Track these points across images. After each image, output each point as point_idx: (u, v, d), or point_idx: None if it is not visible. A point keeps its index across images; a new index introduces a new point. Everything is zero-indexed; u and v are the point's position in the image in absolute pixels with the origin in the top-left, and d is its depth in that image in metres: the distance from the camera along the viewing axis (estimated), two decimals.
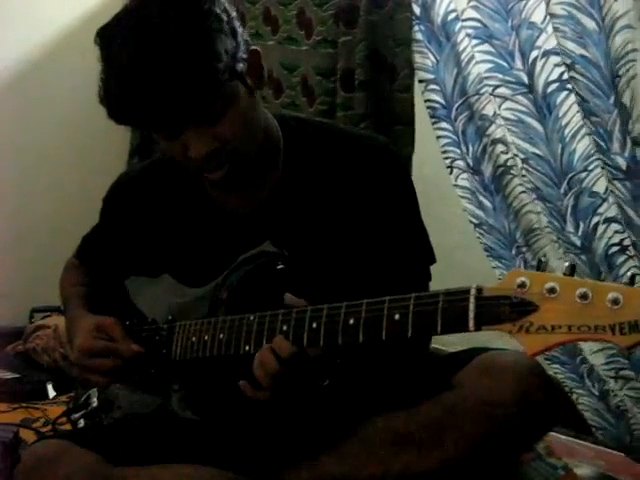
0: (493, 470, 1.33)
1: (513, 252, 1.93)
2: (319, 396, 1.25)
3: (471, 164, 1.95)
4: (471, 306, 0.99)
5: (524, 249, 1.90)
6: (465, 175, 1.97)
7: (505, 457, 1.35)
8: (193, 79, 1.20)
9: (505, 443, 1.28)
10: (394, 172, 1.41)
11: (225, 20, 1.25)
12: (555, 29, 1.73)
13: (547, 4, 1.74)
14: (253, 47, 1.32)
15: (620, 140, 1.67)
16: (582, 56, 1.70)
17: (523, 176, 1.85)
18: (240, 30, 1.28)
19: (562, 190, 1.79)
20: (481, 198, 1.95)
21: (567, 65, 1.73)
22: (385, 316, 1.09)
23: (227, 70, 1.23)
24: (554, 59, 1.76)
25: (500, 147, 1.89)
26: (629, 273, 0.92)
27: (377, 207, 1.38)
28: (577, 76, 1.71)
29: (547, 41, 1.77)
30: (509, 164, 1.88)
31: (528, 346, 0.95)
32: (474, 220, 1.98)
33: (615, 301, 0.90)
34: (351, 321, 1.12)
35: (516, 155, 1.85)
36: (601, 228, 1.75)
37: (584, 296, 0.91)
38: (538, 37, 1.78)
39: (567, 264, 0.95)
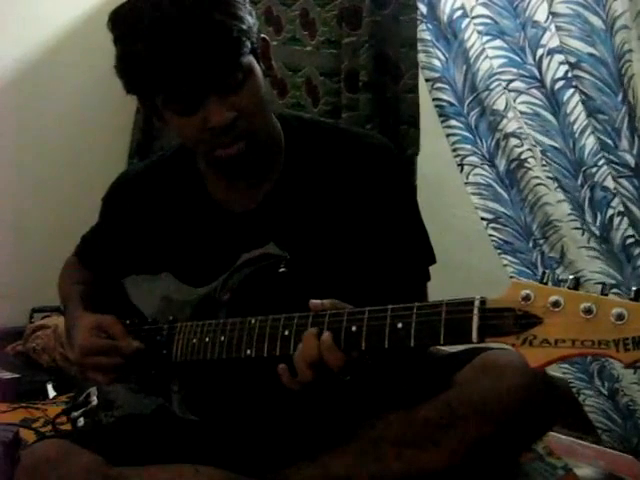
0: (493, 470, 1.33)
1: (530, 244, 1.93)
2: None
3: (487, 157, 1.96)
4: (475, 318, 0.99)
5: (541, 242, 1.91)
6: (478, 170, 1.97)
7: (505, 457, 1.35)
8: (221, 39, 1.22)
9: (505, 443, 1.28)
10: (393, 171, 1.41)
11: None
12: (558, 28, 1.74)
13: (549, 3, 1.75)
14: (262, 35, 1.34)
15: (628, 137, 1.68)
16: (590, 54, 1.70)
17: (543, 165, 1.85)
18: (254, 13, 1.31)
19: (579, 182, 1.81)
20: (499, 189, 1.95)
21: (570, 64, 1.73)
22: (388, 325, 1.08)
23: (249, 38, 1.26)
24: (559, 57, 1.77)
25: (513, 141, 1.90)
26: (634, 288, 0.92)
27: (376, 207, 1.38)
28: (582, 74, 1.72)
29: (551, 40, 1.78)
30: (523, 157, 1.89)
31: (531, 359, 0.95)
32: (487, 215, 1.98)
33: (619, 316, 0.89)
34: (353, 328, 1.12)
35: (535, 146, 1.86)
36: (616, 220, 1.76)
37: (588, 310, 0.91)
38: (542, 35, 1.79)
39: (571, 277, 0.95)
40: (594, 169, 1.77)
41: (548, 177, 1.86)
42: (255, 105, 1.30)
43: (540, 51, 1.81)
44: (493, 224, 1.97)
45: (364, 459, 1.31)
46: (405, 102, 2.17)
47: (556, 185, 1.84)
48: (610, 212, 1.77)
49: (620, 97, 1.67)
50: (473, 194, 1.99)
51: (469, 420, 1.26)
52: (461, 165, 1.99)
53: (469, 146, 1.98)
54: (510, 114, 1.89)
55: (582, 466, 1.81)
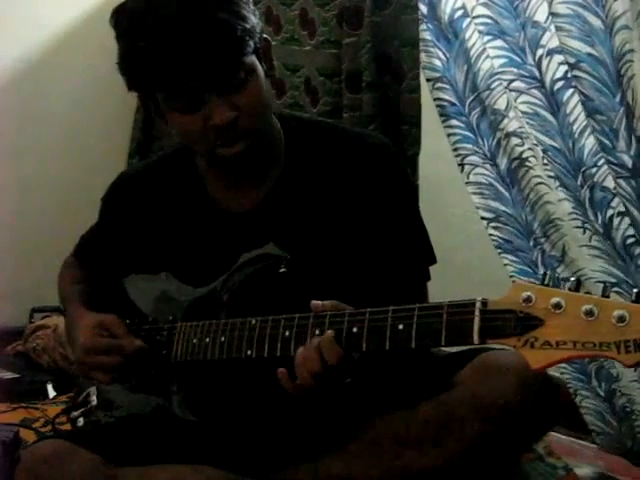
0: (493, 470, 1.33)
1: (531, 243, 1.93)
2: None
3: (488, 156, 1.96)
4: (476, 319, 1.00)
5: (542, 240, 1.91)
6: (479, 170, 1.97)
7: (505, 457, 1.35)
8: (224, 37, 1.22)
9: (505, 443, 1.28)
10: (393, 171, 1.41)
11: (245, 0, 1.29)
12: (558, 28, 1.74)
13: (549, 3, 1.75)
14: (265, 35, 1.35)
15: (626, 138, 1.68)
16: (589, 54, 1.71)
17: (545, 164, 1.85)
18: (257, 13, 1.31)
19: (578, 182, 1.81)
20: (500, 188, 1.96)
21: (570, 64, 1.74)
22: (388, 326, 1.08)
23: (252, 38, 1.26)
24: (558, 57, 1.78)
25: (515, 140, 1.90)
26: (635, 290, 0.92)
27: (376, 207, 1.38)
28: (582, 74, 1.72)
29: (551, 40, 1.78)
30: (524, 156, 1.89)
31: (532, 361, 0.95)
32: (488, 215, 1.98)
33: (621, 318, 0.90)
34: (354, 329, 1.12)
35: (536, 145, 1.86)
36: (616, 220, 1.77)
37: (590, 312, 0.91)
38: (542, 36, 1.80)
39: (573, 279, 0.95)
40: (594, 169, 1.77)
41: (549, 176, 1.86)
42: (257, 105, 1.30)
43: (540, 51, 1.81)
44: (494, 223, 1.97)
45: (364, 459, 1.30)
46: (407, 102, 2.16)
47: (557, 184, 1.85)
48: (610, 212, 1.77)
49: (618, 98, 1.67)
50: (474, 194, 1.99)
51: (469, 420, 1.26)
52: (462, 165, 1.99)
53: (470, 145, 1.98)
54: (511, 113, 1.89)
55: (582, 466, 1.81)
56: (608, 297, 0.92)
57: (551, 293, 0.95)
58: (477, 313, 1.00)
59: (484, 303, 1.00)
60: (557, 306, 0.94)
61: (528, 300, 0.96)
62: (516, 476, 1.62)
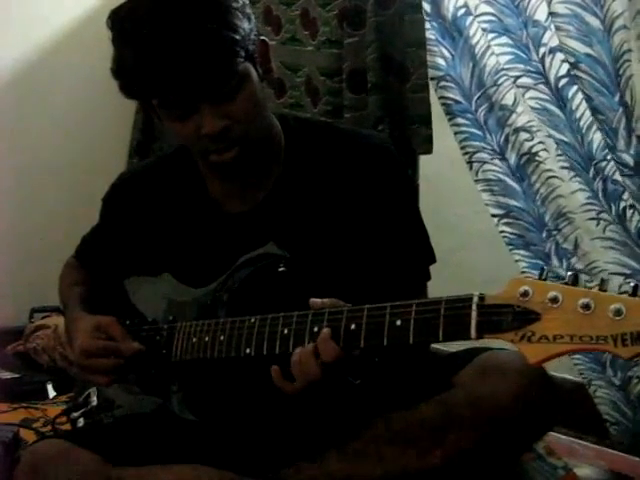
0: (493, 470, 1.33)
1: (544, 235, 1.93)
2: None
3: (497, 150, 1.96)
4: (473, 314, 1.00)
5: (554, 232, 1.91)
6: (487, 166, 1.97)
7: (505, 457, 1.35)
8: (213, 48, 1.22)
9: (505, 443, 1.28)
10: (392, 170, 1.41)
11: (241, 3, 1.28)
12: (557, 28, 1.74)
13: (548, 3, 1.75)
14: (262, 37, 1.34)
15: (625, 137, 1.68)
16: (587, 54, 1.71)
17: (559, 155, 1.85)
18: (252, 17, 1.30)
19: (590, 175, 1.81)
20: (510, 182, 1.95)
21: (570, 63, 1.74)
22: (387, 322, 1.09)
23: (243, 47, 1.25)
24: (560, 56, 1.78)
25: (524, 135, 1.90)
26: (632, 284, 0.92)
27: (375, 206, 1.38)
28: (581, 74, 1.73)
29: (552, 39, 1.79)
30: (534, 150, 1.89)
31: (530, 355, 0.95)
32: (498, 211, 1.97)
33: (617, 312, 0.90)
34: (352, 326, 1.12)
35: (548, 136, 1.86)
36: (629, 212, 1.77)
37: (586, 306, 0.92)
38: (543, 34, 1.80)
39: (570, 274, 0.95)
40: (604, 163, 1.78)
41: (563, 167, 1.85)
42: (249, 112, 1.30)
43: (542, 49, 1.81)
44: (505, 219, 1.97)
45: (364, 459, 1.30)
46: (415, 102, 2.14)
47: (572, 174, 1.84)
48: (622, 204, 1.78)
49: (617, 97, 1.68)
50: (483, 191, 1.98)
51: (469, 420, 1.26)
52: (470, 162, 1.99)
53: (477, 142, 1.98)
54: (519, 109, 1.89)
55: (582, 466, 1.81)
56: (605, 291, 0.92)
57: (548, 287, 0.95)
58: (474, 308, 1.00)
59: (481, 298, 1.00)
60: (554, 300, 0.94)
61: (525, 294, 0.96)
62: (516, 476, 1.62)
